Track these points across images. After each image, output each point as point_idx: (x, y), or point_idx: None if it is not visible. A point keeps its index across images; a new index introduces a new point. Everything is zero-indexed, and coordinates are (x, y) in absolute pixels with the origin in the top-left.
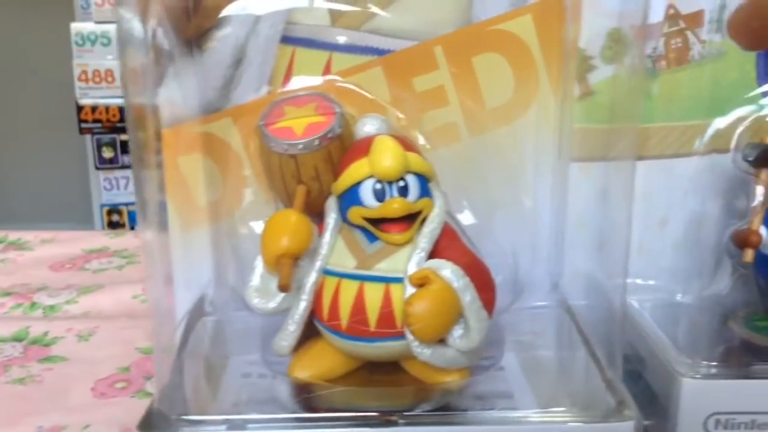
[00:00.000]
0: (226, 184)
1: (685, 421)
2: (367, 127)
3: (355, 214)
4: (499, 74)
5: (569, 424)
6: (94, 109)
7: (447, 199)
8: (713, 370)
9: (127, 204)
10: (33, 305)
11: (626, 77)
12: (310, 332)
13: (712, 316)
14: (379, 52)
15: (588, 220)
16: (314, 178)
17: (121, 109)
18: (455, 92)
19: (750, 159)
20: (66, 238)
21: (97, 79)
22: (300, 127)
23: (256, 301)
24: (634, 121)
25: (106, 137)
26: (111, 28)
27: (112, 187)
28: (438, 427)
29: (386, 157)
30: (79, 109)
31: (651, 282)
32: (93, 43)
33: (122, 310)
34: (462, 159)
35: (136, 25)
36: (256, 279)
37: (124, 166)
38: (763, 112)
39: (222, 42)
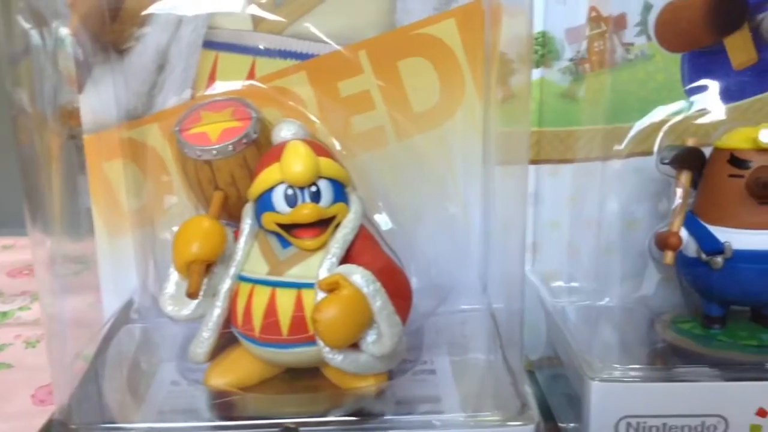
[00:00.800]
0: (151, 190)
1: (596, 424)
2: (284, 132)
3: (267, 219)
4: (424, 78)
5: (470, 429)
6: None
7: (365, 204)
8: (624, 374)
9: None
10: None
11: (548, 80)
12: (230, 339)
13: (636, 319)
14: (303, 56)
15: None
16: (231, 183)
17: None
18: (381, 96)
19: (666, 161)
20: (26, 245)
21: None
22: (215, 132)
23: (169, 308)
24: (562, 124)
25: None
26: None
27: None
28: None
29: (297, 162)
30: None
31: (576, 284)
32: None
33: (76, 318)
34: (390, 163)
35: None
36: (170, 286)
37: None
38: (684, 115)
39: (144, 47)
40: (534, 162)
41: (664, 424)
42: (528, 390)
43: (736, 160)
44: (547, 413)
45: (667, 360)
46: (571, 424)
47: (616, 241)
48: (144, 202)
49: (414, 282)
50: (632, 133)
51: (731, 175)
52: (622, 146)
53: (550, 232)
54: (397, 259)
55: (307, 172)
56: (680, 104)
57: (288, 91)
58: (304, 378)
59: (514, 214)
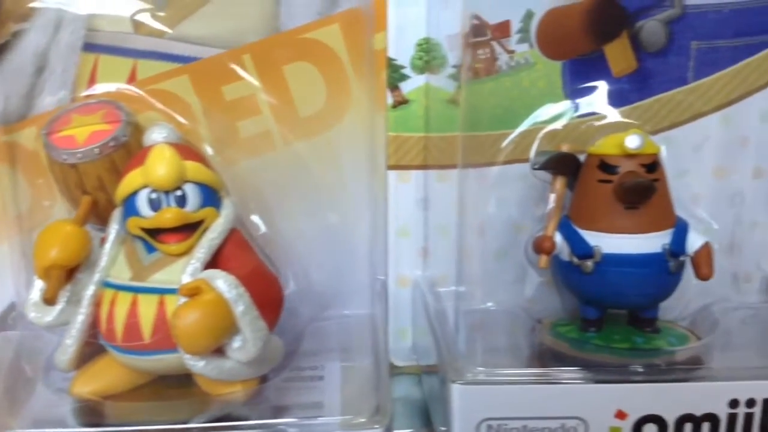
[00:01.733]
0: (29, 195)
1: (458, 427)
2: (154, 135)
3: (132, 224)
4: (310, 83)
5: None
6: None
7: (239, 209)
8: (486, 376)
9: None
10: None
11: (433, 86)
12: (101, 347)
13: (517, 323)
14: (186, 59)
15: (411, 229)
16: (99, 187)
17: None
18: (267, 101)
19: (536, 167)
20: None
21: None
22: (83, 135)
23: (32, 315)
24: (448, 130)
25: None
26: None
27: None
28: None
29: (160, 166)
30: None
31: (463, 289)
32: None
33: None
34: (277, 168)
35: None
36: (35, 293)
37: None
38: (561, 121)
39: (22, 50)
40: (422, 167)
41: (525, 426)
42: (387, 395)
43: (605, 166)
44: (427, 418)
45: (537, 363)
46: (441, 428)
47: (501, 246)
48: (22, 207)
49: (292, 287)
50: (509, 139)
51: (601, 181)
52: (504, 152)
53: (439, 237)
54: (271, 265)
55: (170, 175)
56: (559, 111)
57: (169, 95)
58: (174, 385)
59: (377, 219)
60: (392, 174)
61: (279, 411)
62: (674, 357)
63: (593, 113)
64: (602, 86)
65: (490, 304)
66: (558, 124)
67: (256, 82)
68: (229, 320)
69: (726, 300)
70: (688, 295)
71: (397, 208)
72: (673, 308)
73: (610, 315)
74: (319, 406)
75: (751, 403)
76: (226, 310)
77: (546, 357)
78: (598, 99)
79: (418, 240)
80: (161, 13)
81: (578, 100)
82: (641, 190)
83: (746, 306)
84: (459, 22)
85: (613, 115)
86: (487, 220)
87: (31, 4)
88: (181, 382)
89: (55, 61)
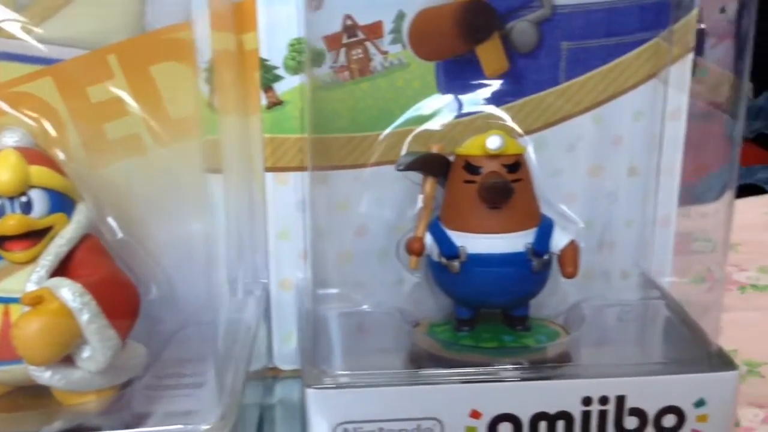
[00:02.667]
0: None
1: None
2: (5, 140)
3: None
4: (180, 84)
5: None
6: None
7: (93, 215)
8: (343, 380)
9: None
10: None
11: (311, 87)
12: None
13: (393, 325)
14: (48, 61)
15: (292, 232)
16: None
17: None
18: (135, 102)
19: (400, 168)
20: None
21: None
22: None
23: None
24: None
25: None
26: None
27: None
28: None
29: (2, 171)
30: None
31: (337, 291)
32: None
33: None
34: (148, 171)
35: None
36: None
37: None
38: (431, 124)
39: None
40: (300, 169)
41: (381, 429)
42: (234, 401)
43: (469, 167)
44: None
45: (407, 365)
46: None
47: (383, 248)
48: None
49: (155, 293)
50: (381, 137)
51: (466, 181)
52: (378, 152)
53: (320, 240)
54: (129, 272)
55: (13, 181)
56: (433, 111)
57: (31, 97)
58: (31, 396)
59: (256, 222)
60: (270, 176)
61: (140, 419)
62: (537, 355)
63: (467, 113)
64: (476, 87)
65: (365, 306)
66: (431, 125)
67: (125, 84)
68: (74, 330)
69: (602, 297)
70: (564, 293)
71: (277, 211)
72: (549, 305)
73: (485, 314)
74: (189, 413)
75: (604, 400)
76: (70, 319)
77: (417, 358)
78: (472, 99)
79: (299, 242)
80: (21, 15)
81: (452, 101)
82: (498, 191)
83: (621, 303)
84: (331, 23)
85: (488, 115)
86: (367, 222)
87: None
88: (38, 392)
89: None
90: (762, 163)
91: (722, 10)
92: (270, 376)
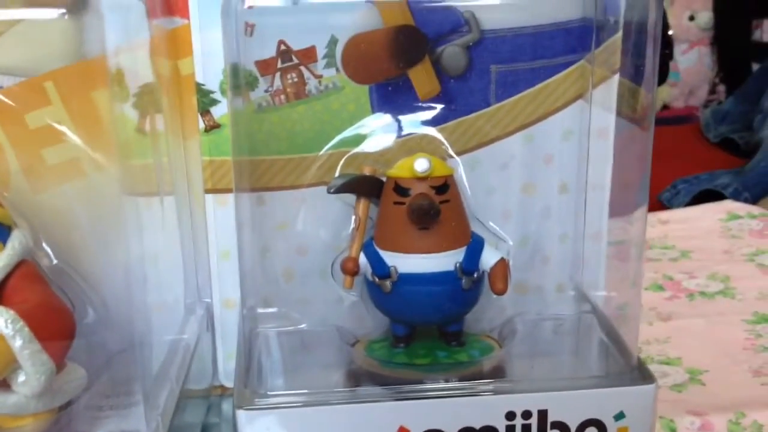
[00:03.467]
0: None
1: None
2: None
3: None
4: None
5: None
6: None
7: (29, 242)
8: (272, 400)
9: None
10: None
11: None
12: None
13: (332, 343)
14: None
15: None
16: None
17: None
18: (72, 126)
19: (331, 191)
20: None
21: None
22: None
23: None
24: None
25: None
26: None
27: None
28: None
29: None
30: None
31: (277, 310)
32: None
33: None
34: (88, 195)
35: None
36: None
37: None
38: (365, 146)
39: None
40: (243, 189)
41: None
42: (162, 421)
43: (399, 188)
44: None
45: (343, 383)
46: None
47: (322, 267)
48: None
49: (91, 316)
50: (321, 163)
51: (396, 203)
52: (315, 174)
53: (261, 260)
54: (64, 297)
55: None
56: (366, 133)
57: None
58: None
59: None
60: (210, 197)
61: None
62: (468, 370)
63: (400, 135)
64: (409, 109)
65: (304, 325)
66: (364, 147)
67: (63, 110)
68: (8, 356)
69: (537, 311)
70: (500, 307)
71: (218, 232)
72: (485, 319)
73: (421, 330)
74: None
75: (527, 414)
76: (3, 345)
77: (354, 376)
78: (405, 121)
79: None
80: None
81: (385, 123)
82: (425, 212)
83: (554, 317)
84: (265, 49)
85: (421, 137)
86: (305, 241)
87: None
88: None
89: None
90: (726, 168)
91: (691, 18)
92: (216, 394)
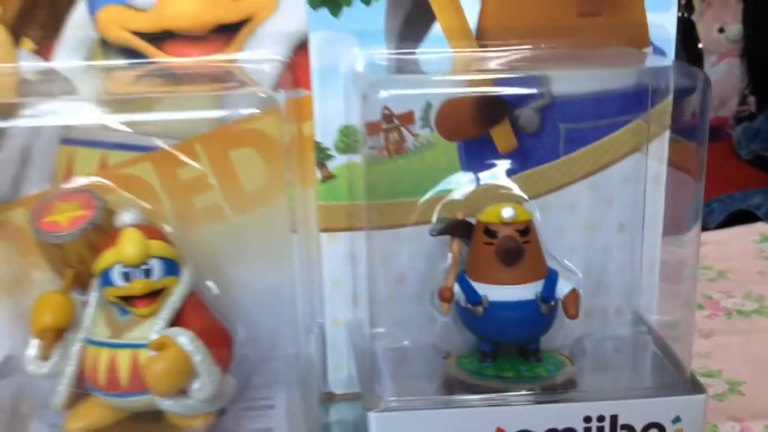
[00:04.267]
0: (21, 265)
1: None
2: (124, 218)
3: (109, 293)
4: (252, 164)
5: None
6: None
7: (196, 276)
8: (392, 404)
9: None
10: None
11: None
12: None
13: (428, 358)
14: (148, 149)
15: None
16: (80, 261)
17: None
18: (215, 179)
19: (433, 233)
20: None
21: None
22: (65, 219)
23: (31, 368)
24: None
25: None
26: None
27: None
28: None
29: (130, 246)
30: None
31: (382, 330)
32: None
33: None
34: (226, 236)
35: None
36: (32, 349)
37: None
38: (456, 194)
39: (8, 148)
40: (349, 229)
41: None
42: (314, 420)
43: (488, 231)
44: None
45: (441, 391)
46: None
47: (418, 293)
48: (13, 275)
49: (242, 335)
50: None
51: (486, 243)
52: (415, 215)
53: (367, 287)
54: (222, 319)
55: (138, 255)
56: (457, 182)
57: (136, 178)
58: (149, 420)
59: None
60: (324, 235)
61: None
62: (547, 382)
63: (486, 184)
64: (492, 162)
65: (406, 342)
66: (456, 194)
67: (205, 166)
68: (190, 368)
69: (600, 332)
70: (569, 329)
71: (330, 263)
72: (557, 339)
73: (503, 348)
74: (269, 429)
75: (601, 418)
76: (187, 360)
77: (449, 385)
78: (489, 172)
79: (348, 289)
80: (123, 108)
81: (473, 174)
82: (512, 253)
83: (615, 337)
84: (372, 112)
85: (502, 185)
86: (407, 272)
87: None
88: (154, 417)
89: (37, 155)
90: (758, 186)
91: (721, 30)
92: (327, 399)
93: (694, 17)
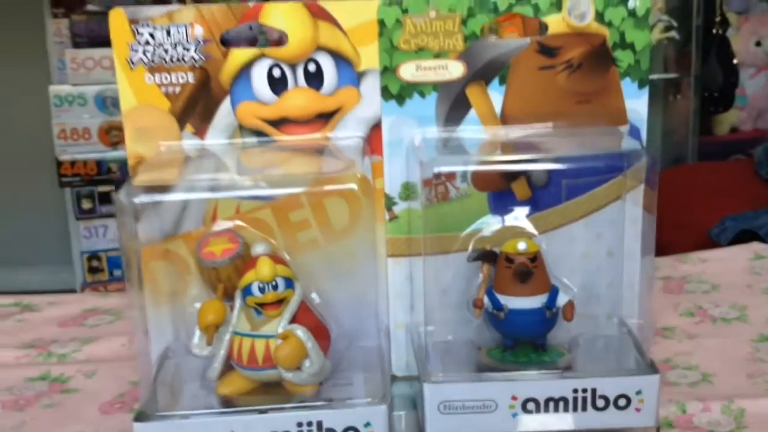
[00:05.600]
0: (180, 281)
1: (429, 407)
2: (257, 249)
3: (249, 301)
4: (340, 208)
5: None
6: (73, 164)
7: (304, 289)
8: (442, 377)
9: (106, 250)
10: (49, 354)
11: (412, 208)
12: (232, 367)
13: (466, 349)
14: (269, 198)
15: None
16: (228, 279)
17: (98, 163)
18: (314, 220)
19: (471, 259)
20: (68, 301)
21: (75, 137)
22: (219, 251)
23: (196, 350)
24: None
25: (85, 189)
26: (86, 90)
27: (91, 236)
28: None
29: (263, 269)
30: (59, 164)
31: (432, 328)
32: (70, 103)
33: (115, 356)
34: (322, 261)
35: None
36: (196, 338)
37: (102, 216)
38: (486, 231)
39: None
40: (408, 255)
41: (463, 405)
42: (388, 391)
43: (508, 258)
44: (414, 406)
45: (475, 370)
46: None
47: (458, 302)
48: (175, 288)
49: (335, 330)
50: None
51: (506, 266)
52: (457, 245)
53: (422, 298)
54: (322, 319)
55: (269, 274)
56: (487, 222)
57: (260, 221)
58: (274, 387)
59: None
60: (390, 260)
61: (326, 400)
62: (552, 366)
63: (507, 226)
64: (512, 207)
65: (450, 337)
66: (485, 231)
67: (309, 210)
68: (304, 351)
69: (592, 333)
70: (568, 330)
71: (394, 281)
72: (558, 337)
73: (520, 342)
74: (351, 397)
75: (584, 390)
76: (302, 346)
77: (480, 368)
78: (511, 215)
79: (407, 300)
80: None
81: (499, 216)
82: (524, 274)
83: (604, 336)
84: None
85: (520, 225)
86: (449, 286)
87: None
88: (277, 386)
89: (193, 203)
90: None
91: (758, 44)
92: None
93: (729, 33)
